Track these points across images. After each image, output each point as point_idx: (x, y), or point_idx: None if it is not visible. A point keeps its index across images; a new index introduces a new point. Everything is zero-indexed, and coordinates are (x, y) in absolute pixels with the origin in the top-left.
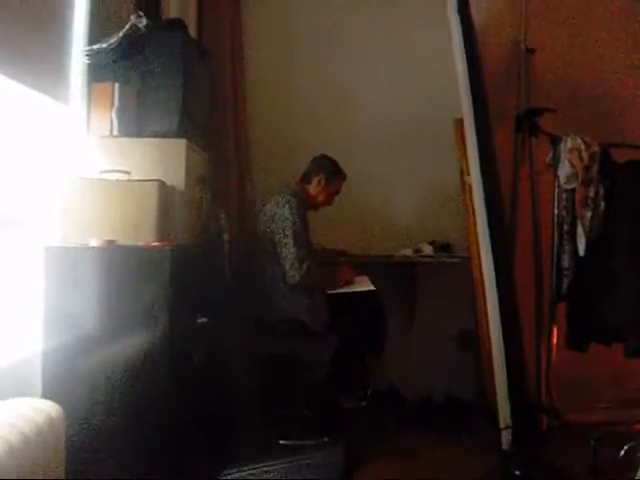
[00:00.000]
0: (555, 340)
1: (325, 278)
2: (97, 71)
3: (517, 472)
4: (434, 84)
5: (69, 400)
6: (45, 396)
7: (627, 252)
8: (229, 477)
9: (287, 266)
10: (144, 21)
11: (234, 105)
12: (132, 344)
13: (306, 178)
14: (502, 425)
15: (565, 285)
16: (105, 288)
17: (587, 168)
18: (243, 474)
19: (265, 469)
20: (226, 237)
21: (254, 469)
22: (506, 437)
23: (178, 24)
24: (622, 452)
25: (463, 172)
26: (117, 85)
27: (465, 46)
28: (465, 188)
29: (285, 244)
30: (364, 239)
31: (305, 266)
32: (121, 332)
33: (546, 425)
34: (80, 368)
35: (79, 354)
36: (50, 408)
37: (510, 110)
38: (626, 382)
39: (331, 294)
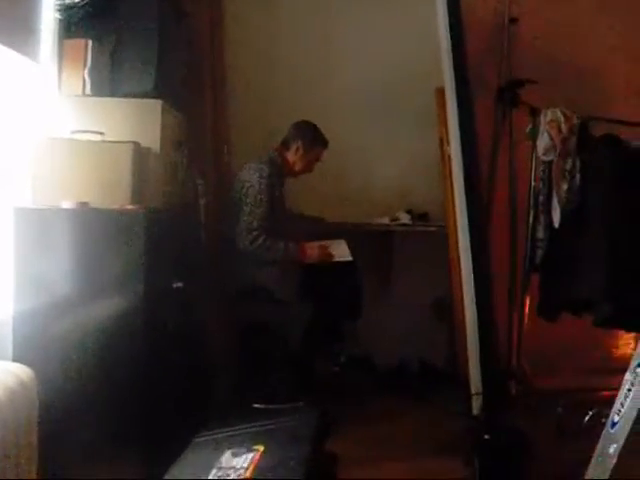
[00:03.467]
0: (527, 309)
1: (285, 255)
2: (69, 27)
3: (486, 436)
4: (416, 52)
5: (41, 364)
6: (16, 360)
7: (600, 225)
8: (202, 440)
9: (237, 232)
10: None
11: (211, 66)
12: (105, 308)
13: (285, 144)
14: (473, 391)
15: (539, 256)
16: (77, 251)
17: (565, 140)
18: (215, 437)
19: (239, 432)
20: (202, 202)
21: (227, 432)
22: (477, 403)
23: None
24: (586, 418)
25: (443, 142)
26: (90, 42)
27: (448, 15)
28: (444, 158)
29: (242, 210)
30: (342, 206)
31: (252, 236)
32: (94, 296)
33: (515, 391)
34: (52, 332)
35: (51, 318)
36: (21, 371)
37: (492, 81)
38: (593, 350)
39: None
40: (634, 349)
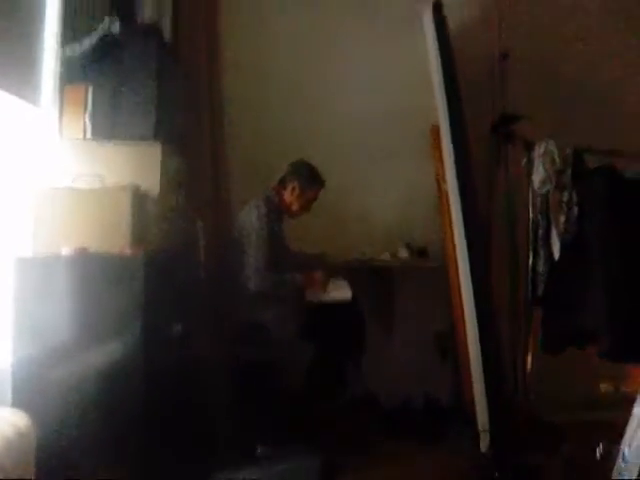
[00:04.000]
0: (531, 343)
1: (294, 286)
2: (70, 73)
3: (496, 474)
4: (411, 90)
5: (40, 410)
6: (15, 406)
7: (600, 256)
8: None
9: (248, 274)
10: (117, 25)
11: (210, 110)
12: (105, 353)
13: (282, 184)
14: (480, 428)
15: (540, 289)
16: (77, 297)
17: (560, 172)
18: None
19: (242, 477)
20: (202, 243)
21: (230, 477)
22: (484, 440)
23: (153, 28)
24: (598, 452)
25: (439, 178)
26: (91, 87)
27: (440, 53)
28: (442, 193)
29: (247, 252)
30: (342, 243)
31: (262, 276)
32: (93, 341)
33: (523, 427)
34: (51, 378)
35: (50, 364)
36: (19, 419)
37: (486, 115)
38: (599, 383)
39: (308, 301)
40: None
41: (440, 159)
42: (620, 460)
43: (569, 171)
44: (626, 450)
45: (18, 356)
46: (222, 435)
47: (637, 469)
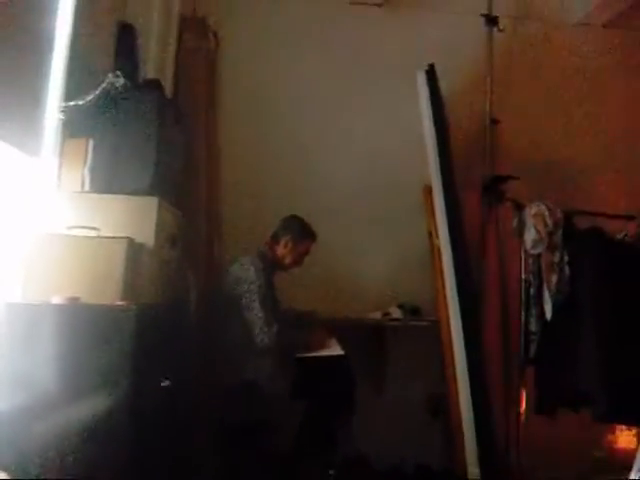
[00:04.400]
0: (524, 405)
1: (297, 341)
2: (72, 127)
3: None
4: (403, 151)
5: (19, 465)
6: None
7: (592, 317)
8: None
9: (256, 330)
10: (121, 80)
11: (206, 165)
12: (90, 407)
13: (274, 238)
14: None
15: (532, 349)
16: (65, 347)
17: (551, 234)
18: None
19: None
20: (193, 297)
21: None
22: None
23: (154, 84)
24: None
25: (432, 236)
26: (91, 141)
27: (433, 115)
28: (434, 252)
29: (252, 308)
30: (333, 301)
31: (274, 329)
32: (79, 394)
33: None
34: (33, 433)
35: (33, 418)
36: None
37: (477, 177)
38: (593, 446)
39: (299, 358)
40: (637, 444)
41: (432, 217)
42: None
43: (560, 232)
44: None
45: (0, 407)
46: None
47: None
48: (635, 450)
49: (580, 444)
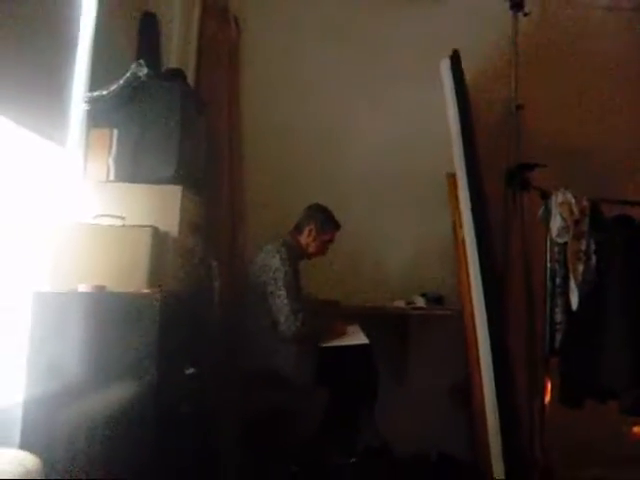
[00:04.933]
0: (548, 396)
1: (320, 330)
2: (96, 117)
3: None
4: (427, 138)
5: (48, 452)
6: (23, 447)
7: (619, 306)
8: None
9: (282, 319)
10: (144, 70)
11: (229, 154)
12: (117, 395)
13: (298, 227)
14: None
15: (558, 340)
16: (92, 335)
17: (578, 222)
18: None
19: None
20: (217, 285)
21: None
22: None
23: (178, 74)
24: None
25: (456, 225)
26: (115, 131)
27: (457, 102)
28: (458, 241)
29: (278, 296)
30: (356, 290)
31: (300, 318)
32: (106, 381)
33: None
34: (61, 418)
35: (61, 404)
36: (28, 461)
37: (502, 165)
38: (621, 439)
39: (322, 347)
40: None
41: (456, 206)
42: None
43: (587, 220)
44: None
45: (30, 394)
46: None
47: None
48: None
49: (607, 436)
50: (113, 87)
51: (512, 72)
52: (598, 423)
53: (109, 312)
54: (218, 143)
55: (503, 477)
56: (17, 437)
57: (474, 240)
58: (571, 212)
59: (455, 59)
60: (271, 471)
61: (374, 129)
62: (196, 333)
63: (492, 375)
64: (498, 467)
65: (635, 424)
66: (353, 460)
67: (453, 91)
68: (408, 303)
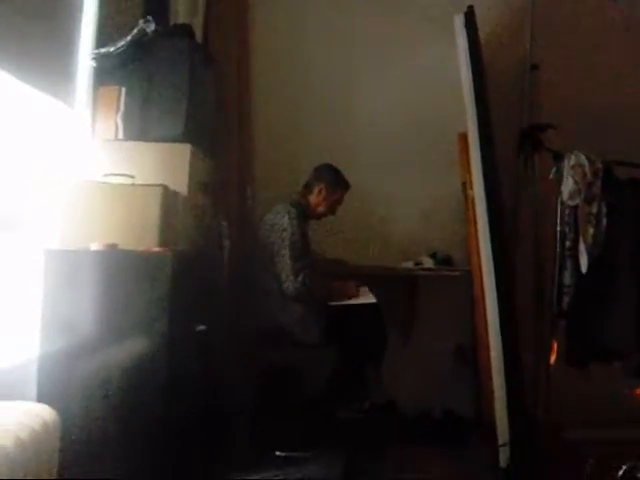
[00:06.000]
0: (555, 357)
1: (326, 291)
2: (103, 74)
3: None
4: (438, 98)
5: (64, 405)
6: (40, 400)
7: (629, 270)
8: None
9: (283, 277)
10: (152, 26)
11: (239, 112)
12: (130, 350)
13: (307, 187)
14: (500, 442)
15: (566, 302)
16: (104, 292)
17: (590, 185)
18: None
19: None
20: (226, 244)
21: None
22: (504, 454)
23: (186, 30)
24: (620, 472)
25: (466, 185)
26: (123, 89)
27: (471, 61)
28: (468, 201)
29: (282, 255)
30: (365, 250)
31: (300, 279)
32: (119, 337)
33: (544, 443)
34: (76, 373)
35: (76, 359)
36: (45, 412)
37: (515, 125)
38: (625, 400)
39: (331, 305)
40: None
41: (467, 166)
42: None
43: (599, 183)
44: None
45: (44, 350)
46: (241, 437)
47: None
48: None
49: (612, 396)
50: (120, 44)
51: (527, 31)
52: (602, 385)
53: (121, 270)
54: (228, 100)
55: (507, 438)
56: (33, 392)
57: (484, 201)
58: (584, 175)
59: (469, 15)
60: (281, 427)
61: (385, 88)
62: (206, 292)
63: (499, 335)
64: (502, 427)
65: (637, 386)
66: (361, 417)
67: (467, 49)
68: (417, 264)
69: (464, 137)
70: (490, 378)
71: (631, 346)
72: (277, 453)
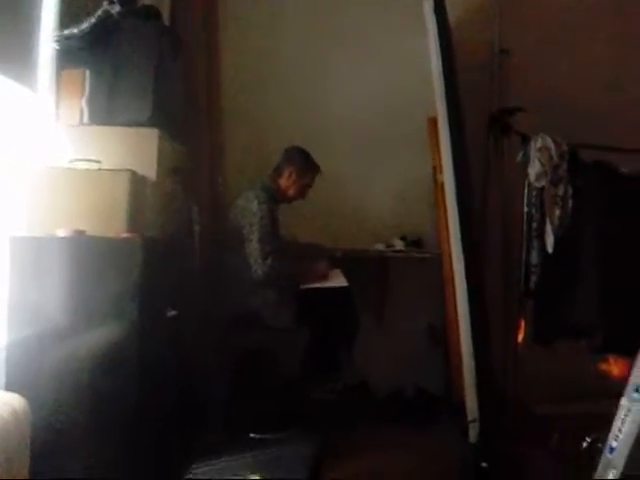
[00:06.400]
0: (523, 335)
1: (297, 274)
2: (67, 57)
3: (484, 464)
4: (408, 81)
5: (34, 393)
6: (9, 389)
7: (593, 250)
8: (199, 471)
9: (252, 262)
10: (117, 7)
11: (208, 95)
12: (99, 336)
13: (277, 171)
14: (470, 418)
15: (533, 281)
16: (73, 280)
17: (556, 167)
18: (213, 468)
19: (234, 463)
20: (197, 229)
21: (223, 463)
22: (473, 430)
23: (152, 12)
24: (584, 444)
25: (436, 169)
26: (87, 72)
27: (440, 46)
28: (437, 185)
29: (250, 240)
30: (336, 233)
31: (269, 262)
32: (88, 325)
33: (512, 417)
34: (45, 360)
35: (44, 346)
36: (14, 401)
37: (484, 109)
38: (589, 375)
39: (303, 288)
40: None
41: (437, 150)
42: (607, 452)
43: (565, 165)
44: (613, 442)
45: (12, 338)
46: (215, 421)
47: (623, 461)
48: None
49: (576, 372)
50: (84, 26)
51: (496, 15)
52: (568, 362)
53: (89, 256)
54: (196, 84)
55: (476, 415)
56: (2, 380)
57: (454, 184)
58: (550, 157)
59: (439, 1)
60: (254, 410)
61: (357, 71)
62: (177, 277)
63: (468, 316)
64: (472, 404)
65: (601, 361)
66: (332, 397)
67: (436, 34)
68: (388, 246)
69: (434, 121)
70: (460, 357)
71: (595, 324)
72: (251, 435)
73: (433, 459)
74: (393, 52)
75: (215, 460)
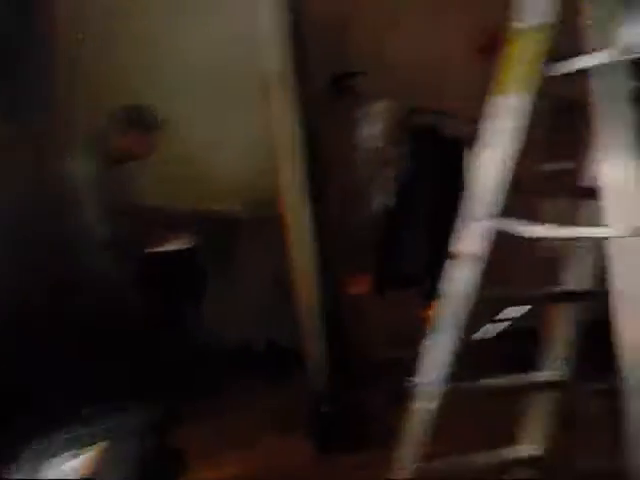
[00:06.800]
0: (363, 286)
1: (143, 235)
2: None
3: (325, 409)
4: (254, 38)
5: None
6: None
7: (423, 208)
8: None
9: (91, 226)
10: None
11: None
12: None
13: (116, 129)
14: (317, 367)
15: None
16: None
17: (391, 130)
18: (52, 440)
19: (76, 433)
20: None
21: (64, 435)
22: (320, 379)
23: None
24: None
25: (279, 128)
26: None
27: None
28: (280, 144)
29: (90, 204)
30: (182, 194)
31: (109, 226)
32: None
33: (358, 366)
34: None
35: None
36: None
37: (327, 73)
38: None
39: (148, 252)
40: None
41: (281, 109)
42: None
43: (399, 129)
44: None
45: None
46: (45, 393)
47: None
48: None
49: (411, 321)
50: None
51: None
52: (404, 310)
53: None
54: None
55: (324, 365)
56: None
57: (297, 144)
58: (385, 120)
59: None
60: (100, 375)
61: (198, 30)
62: (9, 239)
63: (314, 268)
64: (318, 352)
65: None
66: (182, 357)
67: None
68: (232, 206)
69: (279, 79)
70: (308, 309)
71: (424, 272)
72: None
73: (282, 410)
74: (236, 9)
75: (54, 433)
